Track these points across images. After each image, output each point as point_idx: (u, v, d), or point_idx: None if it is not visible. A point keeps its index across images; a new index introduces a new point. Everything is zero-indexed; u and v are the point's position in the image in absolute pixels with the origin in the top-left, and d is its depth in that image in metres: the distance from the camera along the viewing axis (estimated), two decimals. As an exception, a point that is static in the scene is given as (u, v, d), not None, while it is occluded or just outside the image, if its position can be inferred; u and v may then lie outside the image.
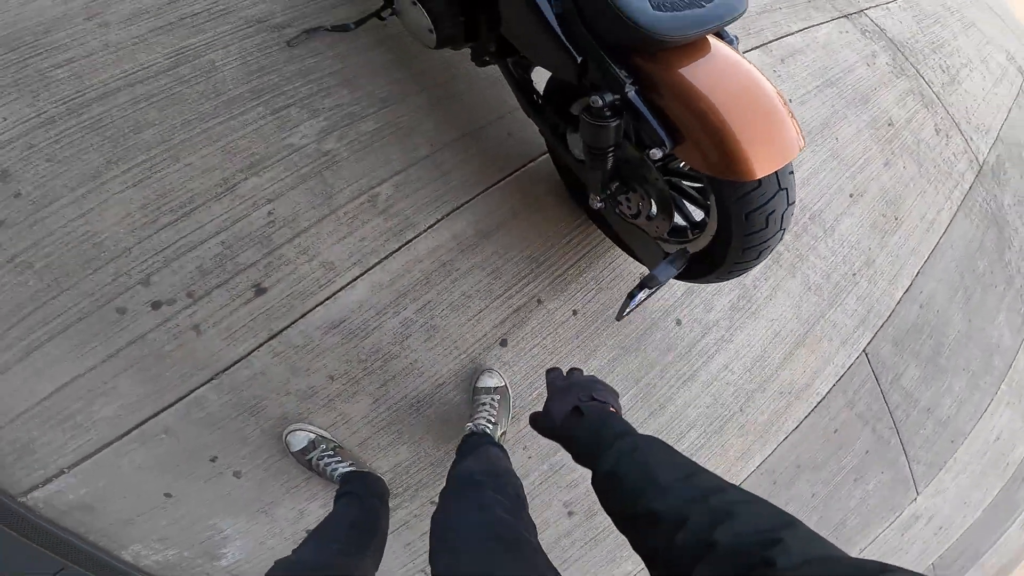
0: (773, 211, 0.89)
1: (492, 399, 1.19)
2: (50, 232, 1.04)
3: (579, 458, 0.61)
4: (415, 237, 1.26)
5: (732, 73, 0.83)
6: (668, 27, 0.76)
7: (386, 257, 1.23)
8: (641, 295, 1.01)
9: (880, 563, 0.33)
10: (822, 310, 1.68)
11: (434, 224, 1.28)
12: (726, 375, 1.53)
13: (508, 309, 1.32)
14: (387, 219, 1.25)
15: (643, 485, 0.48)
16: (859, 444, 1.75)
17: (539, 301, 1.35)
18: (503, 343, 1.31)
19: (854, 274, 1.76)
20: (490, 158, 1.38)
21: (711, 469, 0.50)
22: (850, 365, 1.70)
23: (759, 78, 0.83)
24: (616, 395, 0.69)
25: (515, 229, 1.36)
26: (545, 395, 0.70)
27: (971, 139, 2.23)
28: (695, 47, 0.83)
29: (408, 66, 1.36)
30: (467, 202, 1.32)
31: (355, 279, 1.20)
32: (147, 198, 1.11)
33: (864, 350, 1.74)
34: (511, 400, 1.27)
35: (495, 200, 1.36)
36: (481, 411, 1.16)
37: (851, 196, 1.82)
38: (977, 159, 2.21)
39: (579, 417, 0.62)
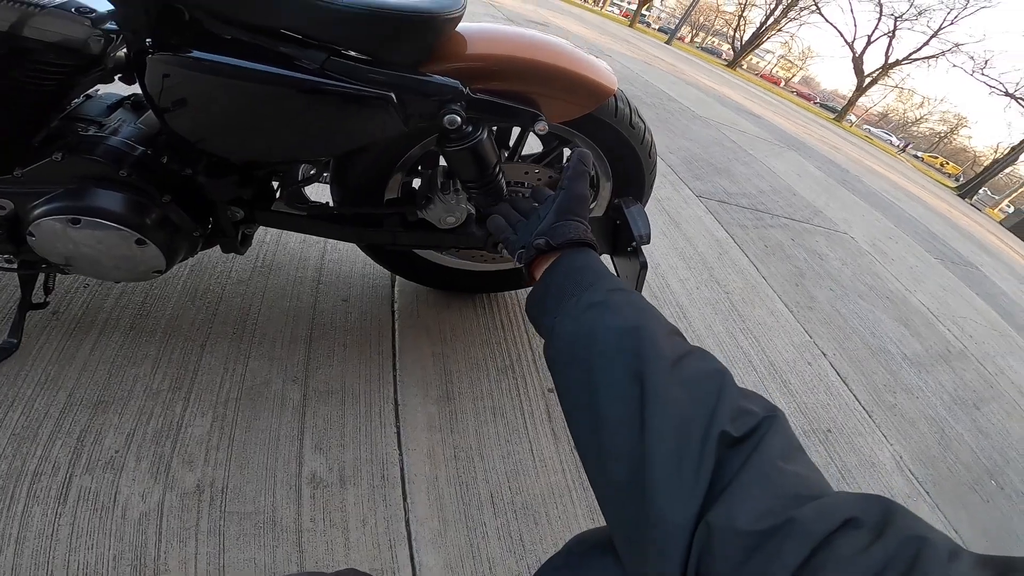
0: (635, 107, 0.98)
1: None
2: None
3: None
4: (404, 478, 0.90)
5: (519, 32, 0.84)
6: (444, 3, 0.70)
7: (408, 515, 0.85)
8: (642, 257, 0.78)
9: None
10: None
11: (400, 442, 0.95)
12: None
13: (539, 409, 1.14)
14: (356, 487, 0.86)
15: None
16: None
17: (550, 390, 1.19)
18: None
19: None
20: (360, 339, 1.11)
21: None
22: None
23: (540, 33, 0.87)
24: None
25: (461, 362, 1.16)
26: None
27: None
28: (473, 30, 0.80)
29: (152, 332, 0.98)
30: (396, 395, 1.03)
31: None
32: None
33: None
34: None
35: (412, 360, 1.11)
36: None
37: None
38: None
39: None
